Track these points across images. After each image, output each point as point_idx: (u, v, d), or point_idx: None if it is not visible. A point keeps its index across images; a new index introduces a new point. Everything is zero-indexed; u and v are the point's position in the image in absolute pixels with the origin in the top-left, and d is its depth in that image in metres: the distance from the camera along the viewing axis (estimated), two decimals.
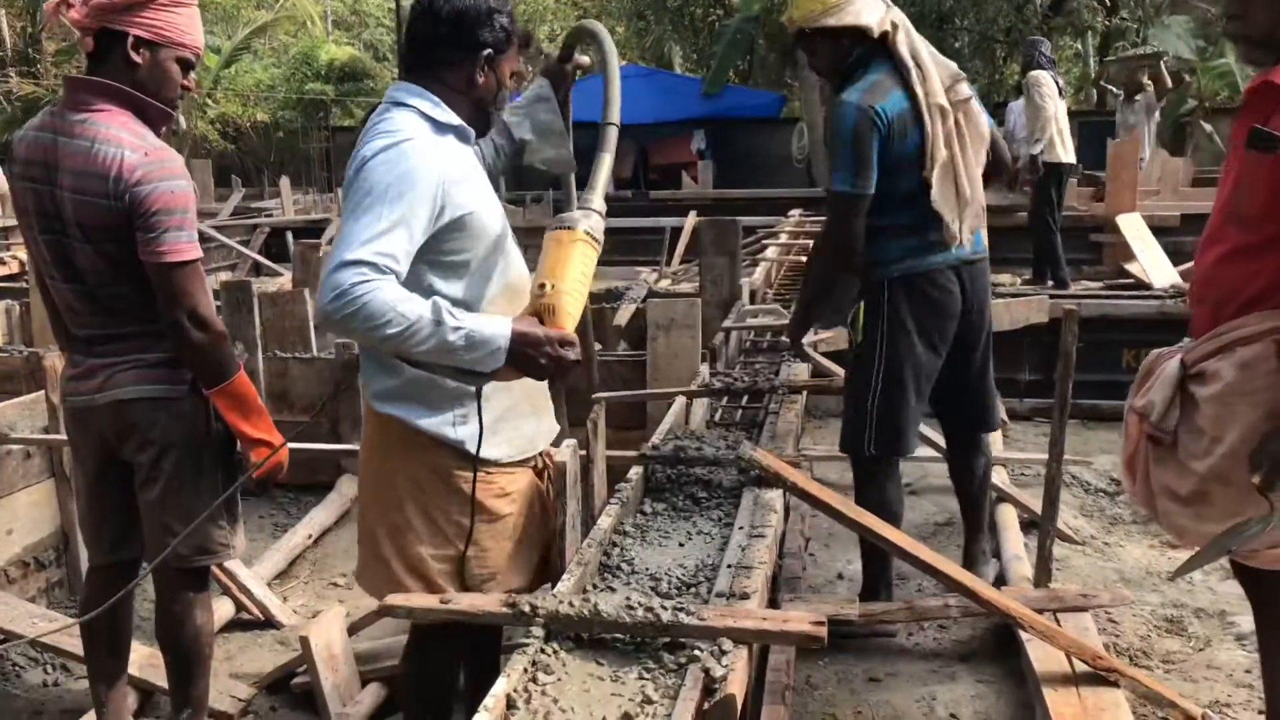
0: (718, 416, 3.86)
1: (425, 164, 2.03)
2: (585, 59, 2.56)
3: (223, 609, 3.67)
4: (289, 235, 10.40)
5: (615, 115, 2.27)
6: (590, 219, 2.09)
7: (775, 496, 2.76)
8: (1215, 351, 2.11)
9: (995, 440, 4.32)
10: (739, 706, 1.86)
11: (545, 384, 2.35)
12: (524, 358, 1.99)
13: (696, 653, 1.96)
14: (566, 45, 2.54)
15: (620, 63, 2.41)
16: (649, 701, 1.86)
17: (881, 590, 3.35)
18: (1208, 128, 15.65)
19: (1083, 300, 5.93)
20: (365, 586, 2.40)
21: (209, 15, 18.45)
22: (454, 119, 2.18)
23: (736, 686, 1.87)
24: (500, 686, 1.87)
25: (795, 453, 3.00)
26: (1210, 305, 2.16)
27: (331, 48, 23.88)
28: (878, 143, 3.03)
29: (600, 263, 2.19)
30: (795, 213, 9.69)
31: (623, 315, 5.65)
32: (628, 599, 2.08)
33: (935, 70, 3.11)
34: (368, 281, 1.88)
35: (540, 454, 2.45)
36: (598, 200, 2.14)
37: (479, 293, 2.19)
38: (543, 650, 2.02)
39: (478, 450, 2.20)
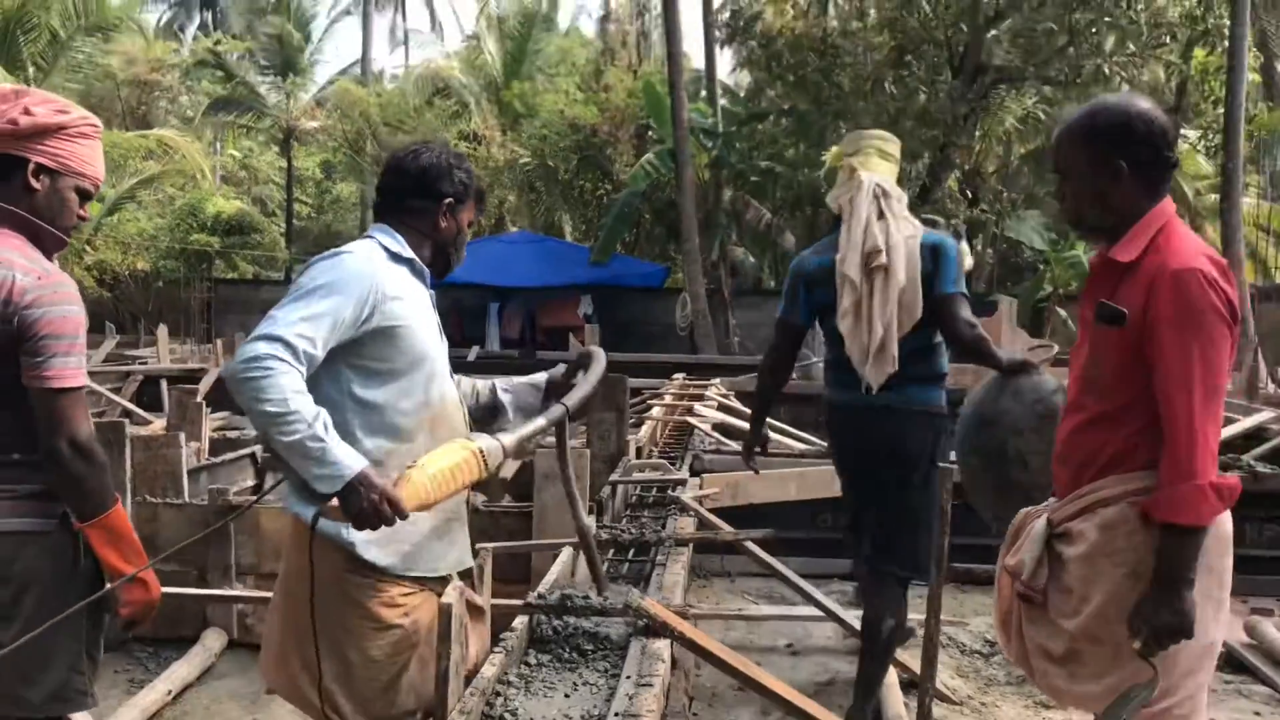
0: (605, 569, 3.84)
1: (361, 271, 2.24)
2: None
3: None
4: (163, 384, 10.11)
5: (572, 402, 2.45)
6: (492, 444, 2.24)
7: (663, 646, 2.75)
8: (1079, 513, 2.19)
9: None
10: None
11: (463, 513, 2.49)
12: (354, 494, 2.07)
13: None
14: (574, 367, 2.66)
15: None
16: None
17: None
18: (1062, 313, 16.75)
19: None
20: (268, 680, 2.48)
21: None
22: (408, 253, 2.39)
23: None
24: None
25: (682, 604, 3.00)
26: (1073, 467, 2.24)
27: (220, 201, 23.82)
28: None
29: None
30: (679, 376, 9.91)
31: (509, 468, 5.62)
32: None
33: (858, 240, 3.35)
34: (279, 360, 2.05)
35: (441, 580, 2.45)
36: (509, 439, 2.29)
37: (396, 403, 2.31)
38: None
39: (355, 543, 2.25)
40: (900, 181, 3.60)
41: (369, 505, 2.07)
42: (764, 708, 3.85)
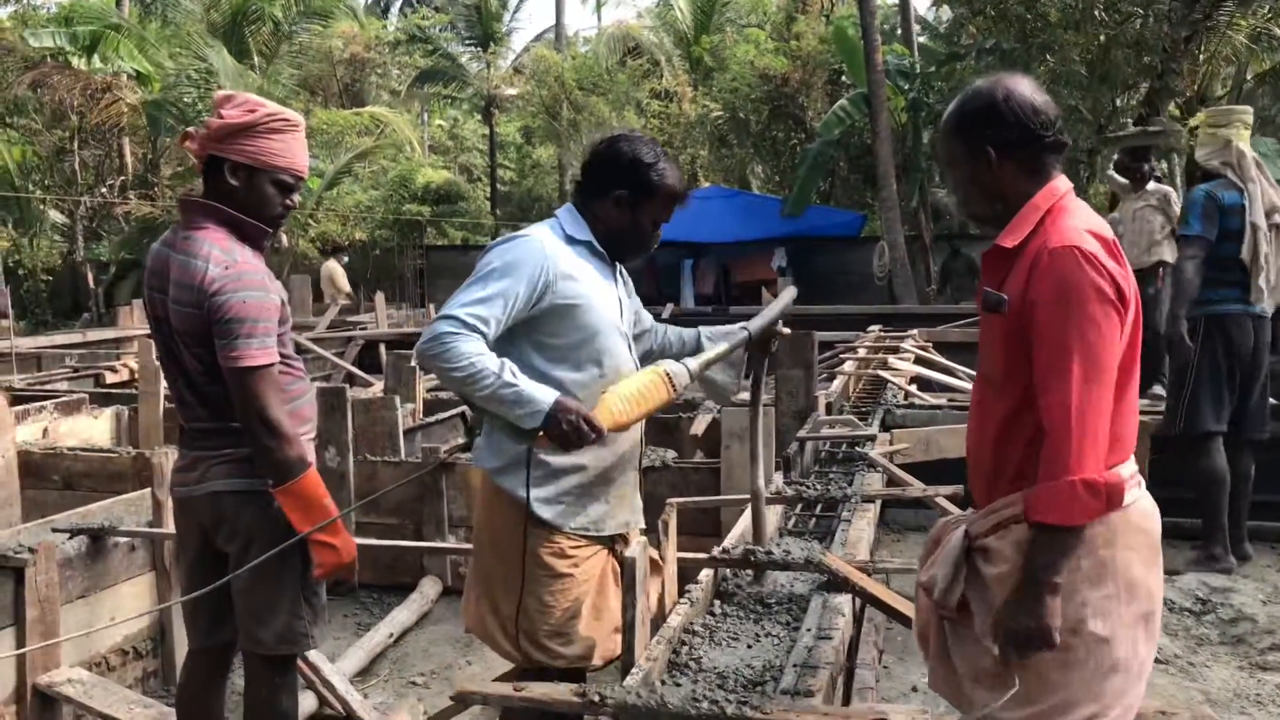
0: (791, 525, 3.91)
1: (534, 254, 2.44)
2: (786, 330, 2.84)
3: (306, 703, 3.77)
4: (381, 348, 10.78)
5: (755, 326, 2.69)
6: (678, 368, 2.44)
7: (844, 602, 2.80)
8: (994, 529, 2.01)
9: None
10: None
11: (631, 479, 2.72)
12: (554, 422, 2.32)
13: None
14: (774, 320, 2.77)
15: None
16: None
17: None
18: None
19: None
20: (466, 621, 2.75)
21: (314, 141, 19.52)
22: (585, 235, 2.57)
23: None
24: None
25: (867, 560, 3.04)
26: (984, 477, 2.09)
27: (428, 171, 24.94)
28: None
29: None
30: (874, 329, 9.76)
31: (699, 424, 5.75)
32: (693, 692, 2.14)
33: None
34: (457, 335, 2.32)
35: (618, 538, 2.69)
36: (695, 363, 2.50)
37: (573, 374, 2.51)
38: None
39: (528, 498, 2.49)
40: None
41: (569, 428, 2.30)
42: None
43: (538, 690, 2.22)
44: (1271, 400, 5.36)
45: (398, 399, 5.77)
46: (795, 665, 2.40)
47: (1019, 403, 1.96)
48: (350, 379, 8.90)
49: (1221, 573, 4.82)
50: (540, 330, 2.49)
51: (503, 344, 2.44)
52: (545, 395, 2.34)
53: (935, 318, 11.29)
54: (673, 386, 2.42)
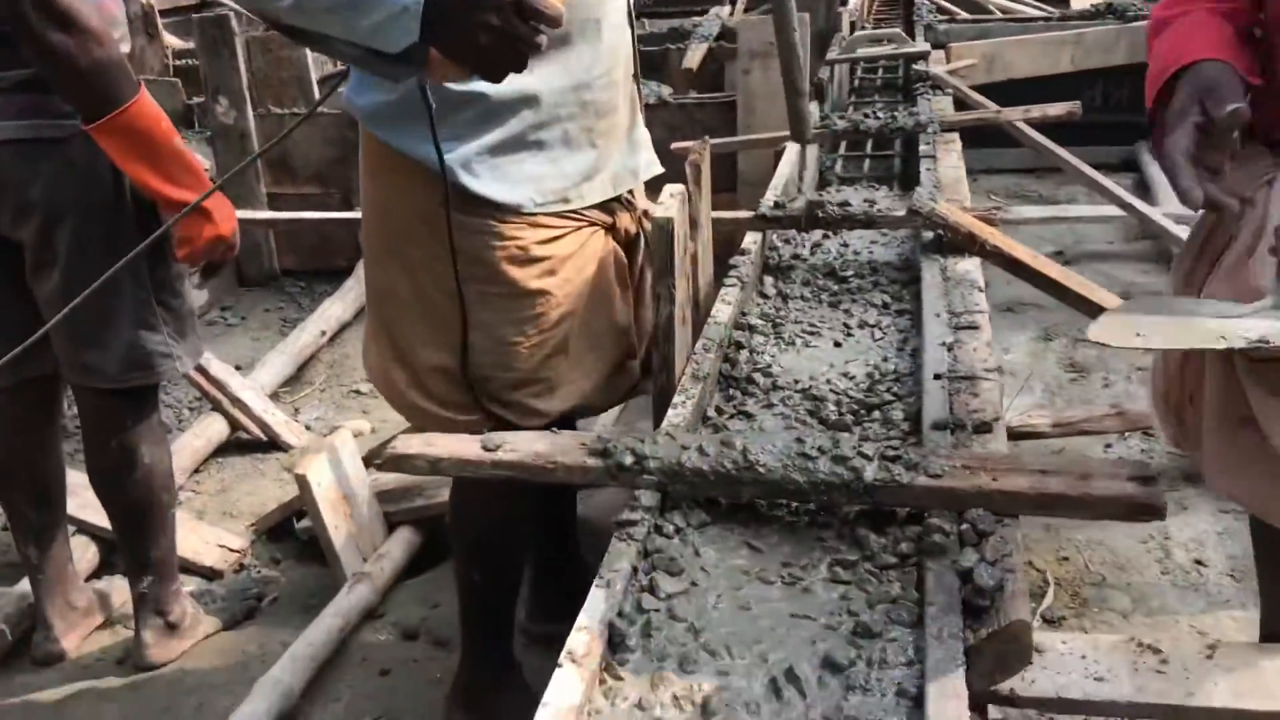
0: (838, 168, 2.93)
1: None
2: None
3: (213, 428, 2.91)
4: None
5: None
6: None
7: (973, 269, 1.86)
8: None
9: None
10: (1030, 642, 1.04)
11: (611, 105, 1.59)
12: (448, 24, 1.16)
13: (936, 537, 1.12)
14: None
15: None
16: (864, 634, 1.03)
17: None
18: None
19: None
20: (368, 372, 1.72)
21: None
22: None
23: (1021, 607, 1.03)
24: (596, 605, 1.05)
25: (988, 208, 2.08)
26: None
27: None
28: None
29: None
30: None
31: (693, 56, 4.59)
32: (799, 440, 1.23)
33: None
34: None
35: (615, 205, 1.66)
36: None
37: None
38: (659, 531, 1.20)
39: (443, 171, 1.42)
40: None
41: (484, 29, 1.15)
42: None
43: (525, 447, 1.30)
44: None
45: None
46: (938, 376, 1.48)
47: None
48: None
49: None
50: None
51: None
52: None
53: None
54: None
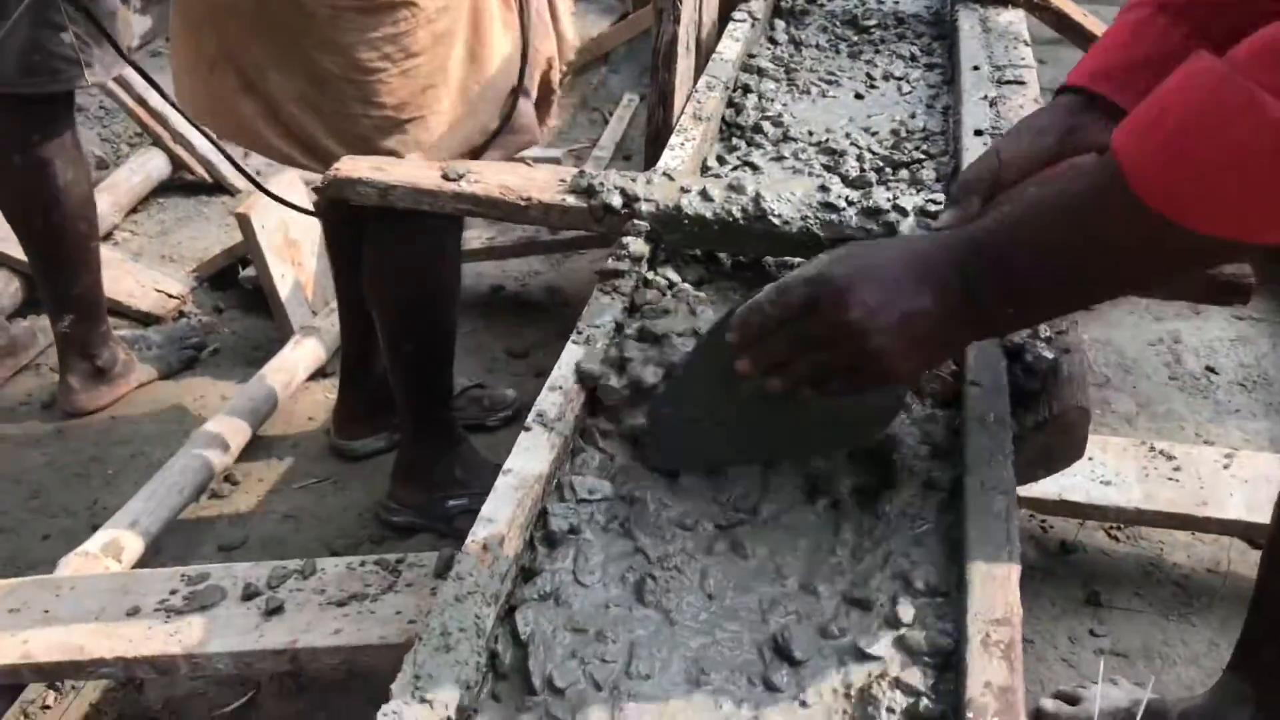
0: None
1: None
2: None
3: (152, 164, 2.65)
4: None
5: None
6: None
7: (1016, 20, 1.62)
8: None
9: None
10: (1086, 434, 0.88)
11: None
12: None
13: None
14: None
15: None
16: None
17: None
18: None
19: None
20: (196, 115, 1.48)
21: None
22: None
23: (1078, 391, 0.86)
24: (571, 362, 0.87)
25: None
26: None
27: None
28: None
29: None
30: None
31: None
32: (823, 188, 1.03)
33: None
34: None
35: None
36: None
37: None
38: (646, 283, 1.02)
39: None
40: None
41: None
42: None
43: (494, 178, 1.09)
44: None
45: None
46: (979, 132, 1.27)
47: None
48: None
49: None
50: None
51: None
52: None
53: None
54: None
